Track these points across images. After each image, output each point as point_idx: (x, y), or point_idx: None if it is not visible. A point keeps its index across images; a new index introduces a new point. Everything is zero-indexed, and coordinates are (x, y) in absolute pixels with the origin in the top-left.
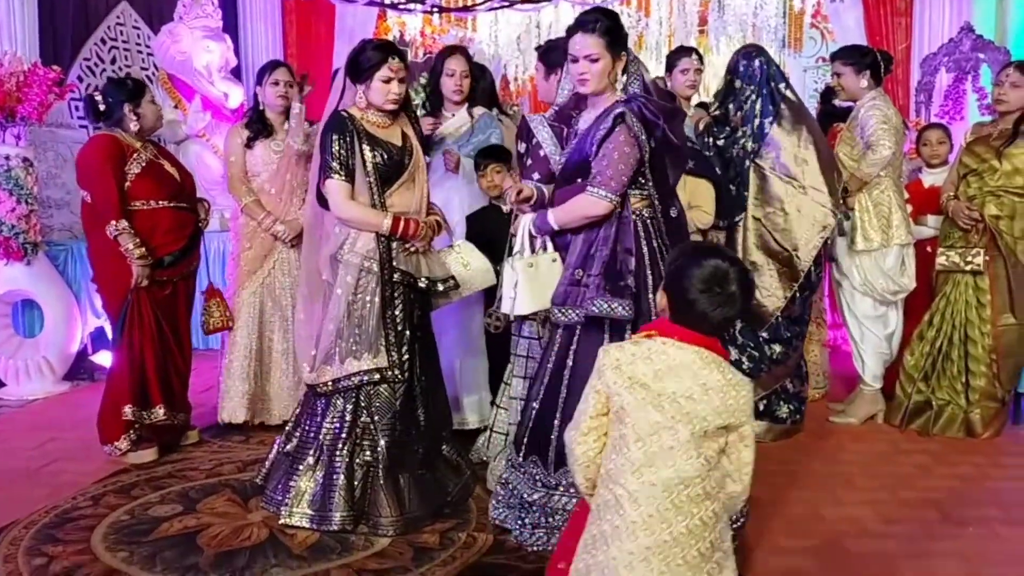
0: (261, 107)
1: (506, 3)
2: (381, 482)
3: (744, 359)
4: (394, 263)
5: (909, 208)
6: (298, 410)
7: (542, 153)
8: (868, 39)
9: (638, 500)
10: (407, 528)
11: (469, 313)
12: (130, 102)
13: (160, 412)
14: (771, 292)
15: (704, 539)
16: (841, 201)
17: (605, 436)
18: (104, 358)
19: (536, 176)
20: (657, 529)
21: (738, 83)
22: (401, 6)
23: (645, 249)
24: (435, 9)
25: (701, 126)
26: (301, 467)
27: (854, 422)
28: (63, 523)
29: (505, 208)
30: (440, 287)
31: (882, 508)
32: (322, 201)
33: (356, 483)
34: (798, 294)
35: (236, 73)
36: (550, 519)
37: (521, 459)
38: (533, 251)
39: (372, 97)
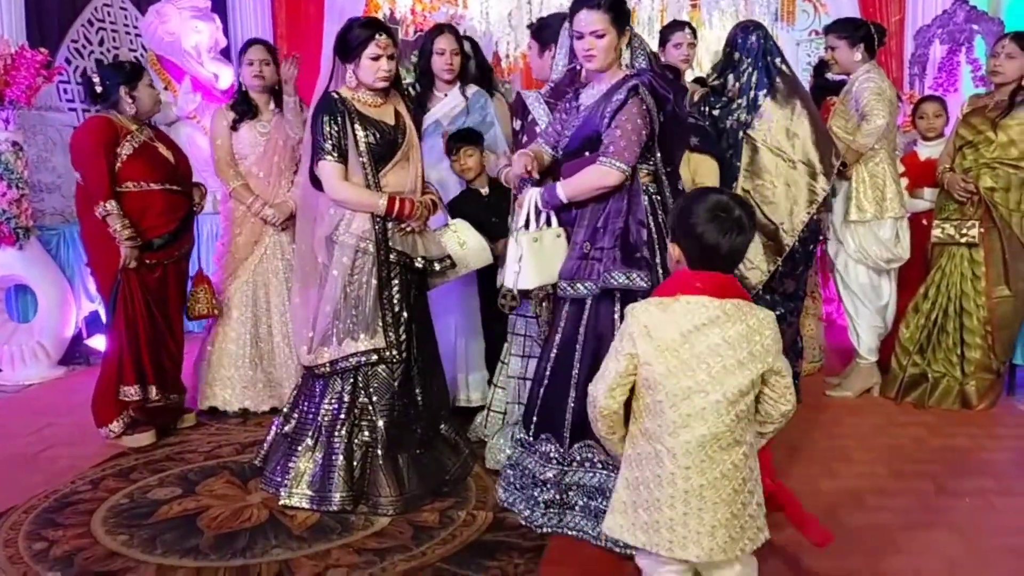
0: (244, 88)
1: None
2: (380, 462)
3: None
4: (390, 243)
5: (905, 181)
6: (296, 392)
7: (538, 129)
8: (861, 11)
9: (676, 455)
10: (407, 507)
11: (470, 292)
12: (126, 85)
13: (153, 393)
14: (755, 265)
15: (736, 478)
16: (836, 173)
17: (629, 392)
18: (99, 342)
19: None
20: (694, 477)
21: (736, 55)
22: None
23: (652, 224)
24: None
25: (696, 97)
26: (300, 448)
27: (850, 395)
28: (62, 507)
29: (508, 184)
30: (437, 267)
31: (878, 481)
32: (315, 182)
33: (355, 463)
34: (792, 270)
35: (226, 53)
36: (564, 495)
37: (532, 439)
38: (538, 226)
39: (362, 76)
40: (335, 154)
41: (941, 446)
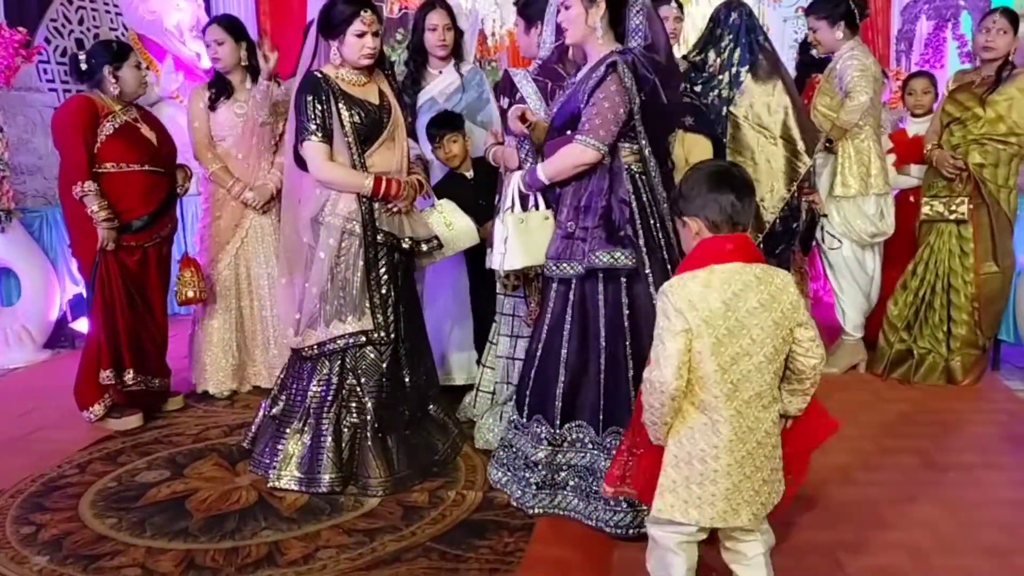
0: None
1: None
2: (369, 443)
3: None
4: (377, 224)
5: (892, 157)
6: (283, 374)
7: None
8: None
9: (731, 421)
10: (396, 488)
11: (458, 272)
12: (111, 64)
13: (130, 376)
14: None
15: (772, 439)
16: (824, 148)
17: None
18: (84, 325)
19: None
20: (748, 439)
21: (718, 31)
22: None
23: (635, 203)
24: None
25: None
26: (288, 430)
27: (836, 372)
28: (50, 491)
29: (495, 163)
30: (424, 247)
31: (865, 456)
32: (299, 163)
33: (344, 445)
34: (773, 248)
35: None
36: (556, 476)
37: (525, 420)
38: (525, 209)
39: (346, 53)
40: (320, 134)
41: (927, 421)
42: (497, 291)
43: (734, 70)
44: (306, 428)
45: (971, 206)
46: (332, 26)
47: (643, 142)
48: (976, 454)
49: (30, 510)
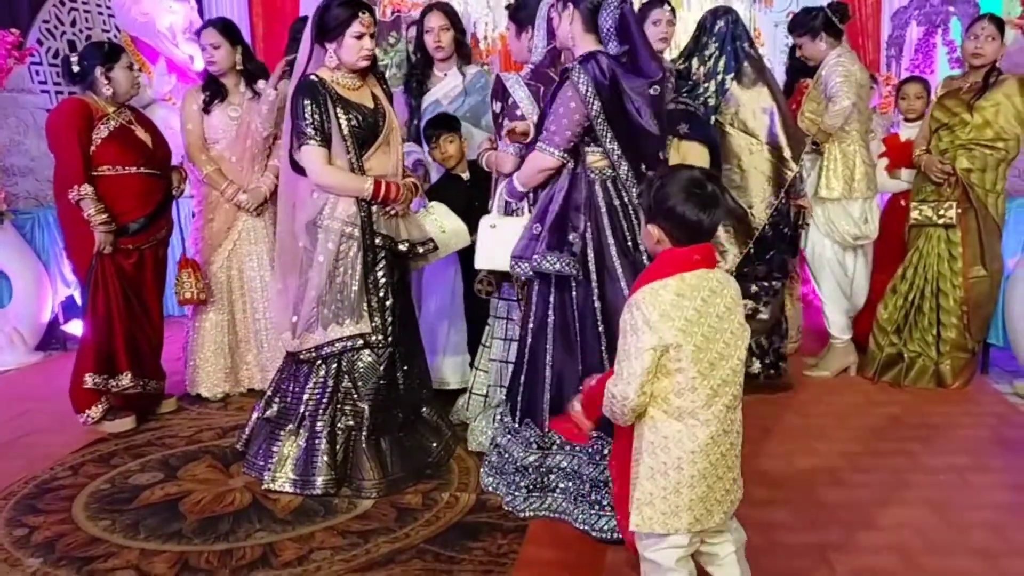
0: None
1: None
2: (363, 446)
3: None
4: (375, 227)
5: (884, 161)
6: (277, 377)
7: (519, 112)
8: None
9: (709, 423)
10: (390, 490)
11: (451, 274)
12: (103, 65)
13: (126, 379)
14: (725, 248)
15: (738, 439)
16: (812, 150)
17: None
18: (76, 327)
19: None
20: (722, 441)
21: (703, 39)
22: None
23: (603, 207)
24: None
25: None
26: (283, 433)
27: (827, 375)
28: (42, 493)
29: (488, 168)
30: (420, 250)
31: (855, 459)
32: (295, 168)
33: (338, 447)
34: (763, 253)
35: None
36: (545, 479)
37: (517, 424)
38: (508, 215)
39: (344, 56)
40: (319, 138)
41: (917, 424)
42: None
43: (719, 78)
44: (301, 431)
45: (959, 211)
46: (329, 29)
47: (611, 146)
48: (966, 457)
49: (23, 512)
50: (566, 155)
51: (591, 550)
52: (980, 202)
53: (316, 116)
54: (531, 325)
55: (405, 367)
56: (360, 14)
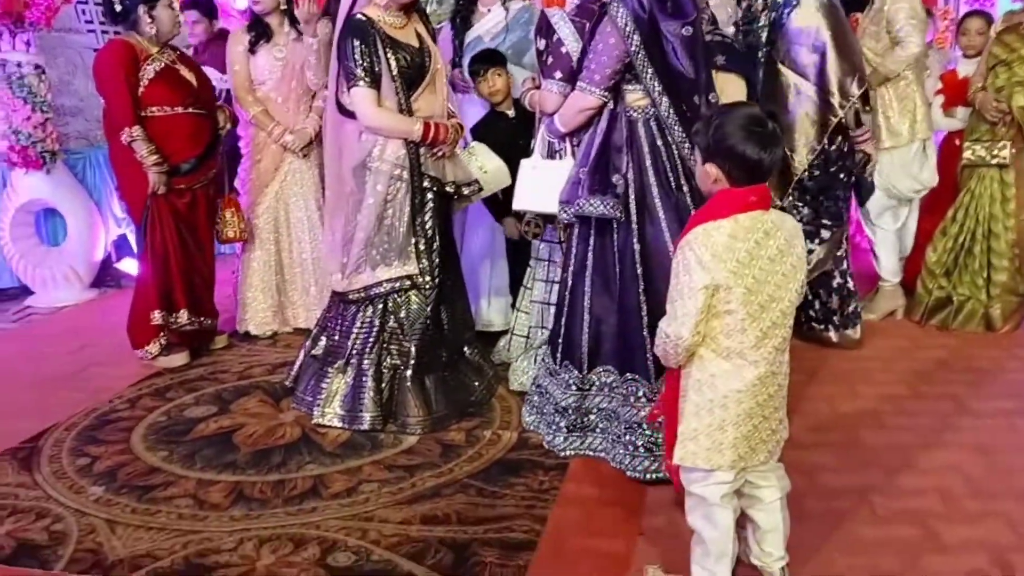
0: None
1: None
2: (408, 384)
3: None
4: (423, 169)
5: (940, 99)
6: (324, 315)
7: (564, 50)
8: None
9: (757, 364)
10: (434, 427)
11: (491, 217)
12: (145, 4)
13: (184, 316)
14: None
15: (785, 381)
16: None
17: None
18: (128, 265)
19: (558, 75)
20: (770, 383)
21: None
22: None
23: (646, 147)
24: None
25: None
26: (331, 370)
27: (874, 318)
28: (102, 424)
29: (532, 108)
30: (465, 191)
31: (899, 402)
32: (342, 110)
33: (384, 385)
34: (802, 195)
35: None
36: (584, 419)
37: (557, 366)
38: (551, 157)
39: None
40: (368, 79)
41: (963, 367)
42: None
43: (778, 11)
44: (349, 368)
45: (1014, 150)
46: None
47: (652, 82)
48: (1012, 401)
49: (85, 442)
50: (607, 94)
51: (631, 488)
52: None
53: (366, 57)
54: (571, 268)
55: (449, 307)
56: None
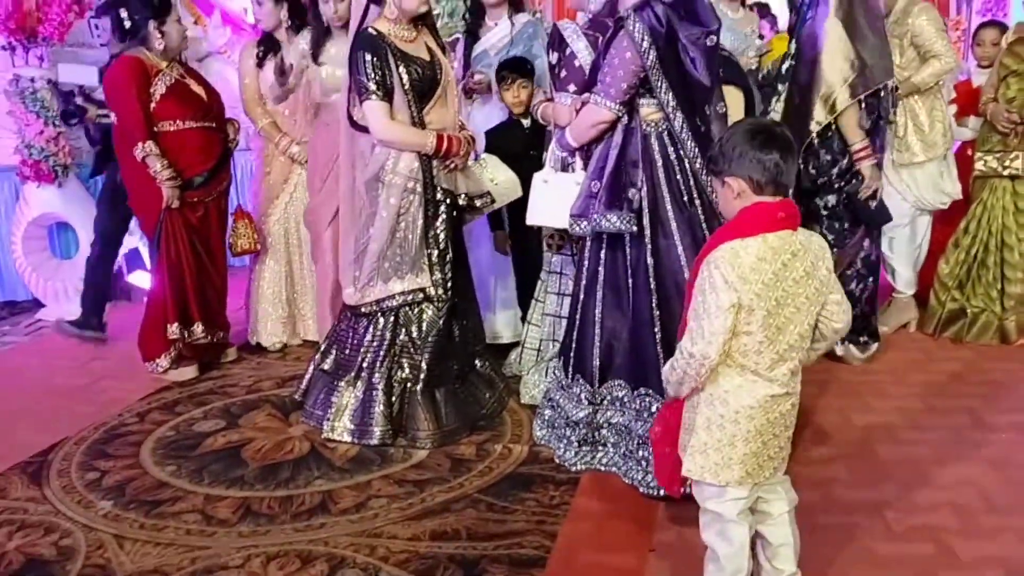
0: None
1: None
2: (418, 397)
3: None
4: (435, 181)
5: (953, 108)
6: (335, 328)
7: (577, 63)
8: None
9: (772, 382)
10: (444, 441)
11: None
12: (156, 19)
13: (199, 330)
14: None
15: (797, 401)
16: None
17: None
18: (139, 278)
19: (572, 88)
20: (782, 402)
21: None
22: None
23: (660, 161)
24: None
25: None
26: (341, 384)
27: (886, 331)
28: (112, 439)
29: (543, 121)
30: (477, 203)
31: (913, 415)
32: (354, 124)
33: (394, 399)
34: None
35: None
36: (595, 434)
37: (569, 380)
38: (564, 170)
39: (406, 4)
40: (380, 92)
41: (978, 381)
42: (544, 248)
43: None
44: (359, 382)
45: None
46: None
47: (666, 96)
48: None
49: (94, 456)
50: (622, 108)
51: (643, 503)
52: None
53: (378, 70)
54: (583, 281)
55: (460, 319)
56: None
